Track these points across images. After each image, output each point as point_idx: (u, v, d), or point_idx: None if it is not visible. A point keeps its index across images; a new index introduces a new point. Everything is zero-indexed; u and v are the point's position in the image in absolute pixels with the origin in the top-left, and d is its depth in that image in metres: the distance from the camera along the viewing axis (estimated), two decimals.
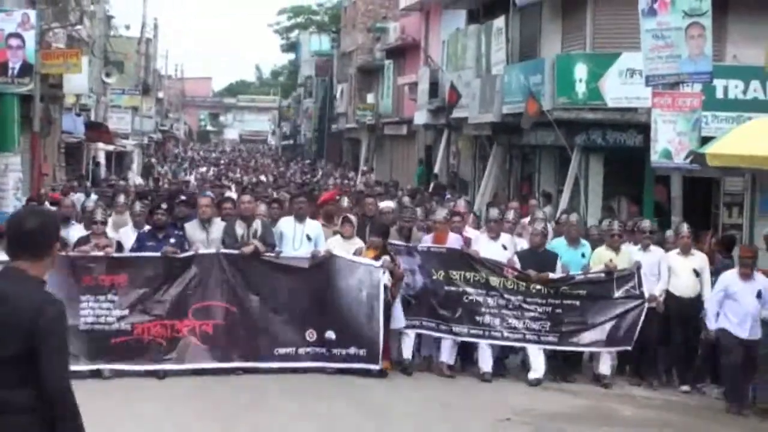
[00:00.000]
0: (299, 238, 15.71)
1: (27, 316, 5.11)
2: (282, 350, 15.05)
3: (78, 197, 24.45)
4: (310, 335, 15.08)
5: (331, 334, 15.08)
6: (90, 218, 15.53)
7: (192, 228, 15.54)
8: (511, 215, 17.27)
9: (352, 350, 15.06)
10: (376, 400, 13.94)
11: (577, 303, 15.51)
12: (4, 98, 25.93)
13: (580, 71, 24.49)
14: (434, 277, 15.77)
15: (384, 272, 15.04)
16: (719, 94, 22.27)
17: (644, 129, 20.69)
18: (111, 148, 52.12)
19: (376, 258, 15.14)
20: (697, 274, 15.68)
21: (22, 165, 26.66)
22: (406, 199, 23.47)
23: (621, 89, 23.68)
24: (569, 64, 24.89)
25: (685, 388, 15.51)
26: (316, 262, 15.24)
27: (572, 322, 15.52)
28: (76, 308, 14.12)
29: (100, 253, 14.59)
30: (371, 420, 12.87)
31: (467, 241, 16.34)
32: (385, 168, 56.16)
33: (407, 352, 15.61)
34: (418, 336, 15.91)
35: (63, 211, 16.74)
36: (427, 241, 16.18)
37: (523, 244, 16.47)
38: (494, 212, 16.99)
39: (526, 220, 18.64)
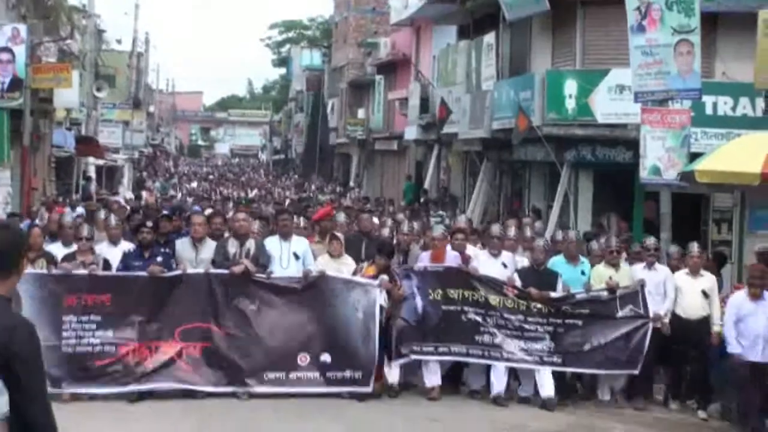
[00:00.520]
0: (286, 257, 15.17)
1: None
2: (272, 374, 14.54)
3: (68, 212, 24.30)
4: (302, 359, 14.59)
5: (326, 357, 14.62)
6: (74, 234, 15.21)
7: (182, 246, 15.15)
8: (512, 232, 16.78)
9: (348, 373, 14.64)
10: (369, 421, 13.78)
11: (580, 322, 15.14)
12: None
13: (570, 87, 24.49)
14: (431, 297, 15.24)
15: (381, 291, 14.69)
16: (708, 111, 22.29)
17: (634, 145, 20.71)
18: (102, 162, 51.99)
19: (375, 277, 14.78)
20: (705, 295, 15.27)
21: (11, 179, 26.63)
22: (400, 216, 23.23)
23: (610, 105, 23.68)
24: (559, 80, 24.91)
25: (674, 406, 15.37)
26: (309, 281, 14.79)
27: (575, 343, 15.11)
28: (57, 329, 13.75)
29: (84, 272, 14.19)
30: None
31: (466, 259, 15.84)
32: (375, 183, 56.18)
33: (394, 377, 15.18)
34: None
35: (49, 227, 16.36)
36: (424, 259, 15.76)
37: (524, 261, 16.02)
38: (496, 229, 16.48)
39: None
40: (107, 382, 14.09)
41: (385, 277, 14.74)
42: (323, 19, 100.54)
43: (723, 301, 15.24)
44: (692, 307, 15.29)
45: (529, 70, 28.34)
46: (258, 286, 14.75)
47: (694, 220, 23.38)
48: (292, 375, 14.60)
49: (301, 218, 17.59)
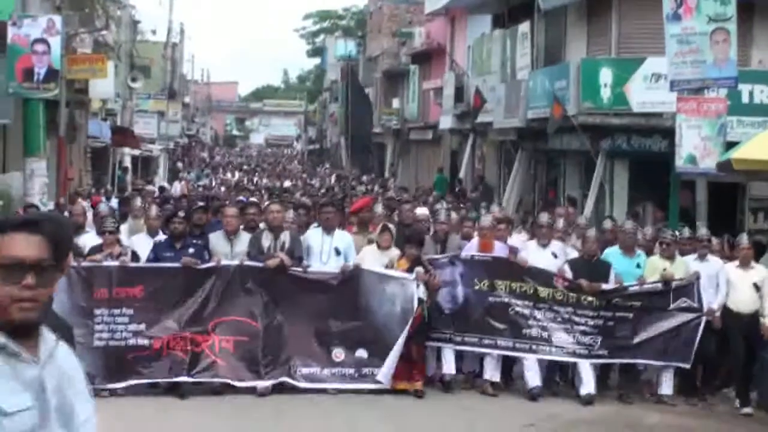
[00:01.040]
0: (327, 252, 14.76)
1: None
2: (306, 370, 14.27)
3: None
4: (337, 355, 14.33)
5: (362, 353, 14.33)
6: (101, 225, 14.92)
7: (216, 239, 14.76)
8: (561, 223, 16.28)
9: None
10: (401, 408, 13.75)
11: (630, 315, 14.71)
12: (30, 104, 25.99)
13: (605, 76, 24.38)
14: (477, 288, 14.85)
15: (418, 285, 14.25)
16: (744, 99, 22.18)
17: (669, 134, 20.59)
18: (137, 152, 52.25)
19: (409, 270, 14.33)
20: (756, 288, 14.65)
21: (48, 170, 26.74)
22: (438, 205, 22.59)
23: (646, 94, 23.57)
24: (594, 69, 24.79)
25: (743, 407, 14.60)
26: (346, 276, 14.44)
27: (624, 336, 14.71)
28: (89, 324, 13.59)
29: (115, 263, 13.92)
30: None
31: (513, 250, 15.37)
32: (410, 173, 56.12)
33: (448, 368, 14.76)
34: (459, 352, 15.00)
35: (75, 219, 15.87)
36: (470, 248, 15.25)
37: (574, 252, 15.55)
38: (544, 217, 15.96)
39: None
40: (142, 377, 13.86)
41: (420, 269, 14.29)
42: (357, 9, 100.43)
43: None
44: (743, 301, 14.74)
45: (564, 59, 28.26)
46: (294, 279, 14.42)
47: (730, 209, 23.25)
48: (326, 371, 14.34)
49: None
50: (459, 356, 15.07)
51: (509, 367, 15.34)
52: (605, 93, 24.34)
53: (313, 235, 15.08)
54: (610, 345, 14.73)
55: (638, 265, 15.19)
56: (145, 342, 13.89)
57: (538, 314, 14.81)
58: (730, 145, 18.33)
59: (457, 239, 15.88)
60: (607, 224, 17.27)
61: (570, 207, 24.24)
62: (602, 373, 15.29)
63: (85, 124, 39.59)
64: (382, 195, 30.65)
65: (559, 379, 15.49)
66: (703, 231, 15.83)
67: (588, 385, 14.56)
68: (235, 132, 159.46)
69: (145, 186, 35.02)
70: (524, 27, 31.04)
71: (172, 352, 13.93)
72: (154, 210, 15.96)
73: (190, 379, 14.00)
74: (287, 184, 45.91)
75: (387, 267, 14.60)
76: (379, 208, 17.87)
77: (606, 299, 14.79)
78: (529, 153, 32.63)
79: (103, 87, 37.70)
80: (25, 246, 3.59)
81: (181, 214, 15.10)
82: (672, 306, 14.76)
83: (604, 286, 14.78)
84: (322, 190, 35.67)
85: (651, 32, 23.57)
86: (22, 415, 3.51)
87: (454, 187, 39.49)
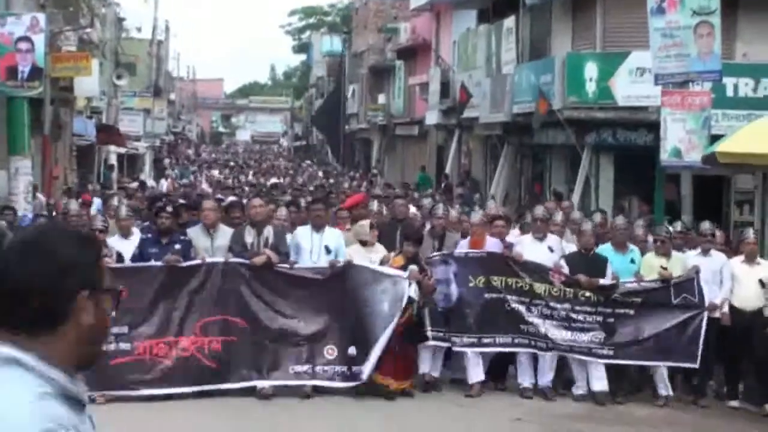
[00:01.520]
0: (317, 250, 14.38)
1: None
2: (298, 368, 13.95)
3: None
4: (330, 352, 14.02)
5: (353, 350, 13.93)
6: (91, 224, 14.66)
7: (195, 234, 14.40)
8: (559, 217, 15.96)
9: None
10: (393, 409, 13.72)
11: (631, 312, 14.39)
12: (14, 102, 25.91)
13: (590, 70, 24.43)
14: (471, 285, 14.51)
15: (410, 284, 13.81)
16: (729, 92, 22.18)
17: (654, 128, 20.62)
18: (123, 150, 52.08)
19: (404, 267, 13.95)
20: (762, 284, 14.19)
21: (33, 168, 26.67)
22: (424, 201, 22.36)
23: (631, 88, 23.59)
24: (579, 63, 24.84)
25: (731, 400, 14.52)
26: (335, 271, 14.09)
27: (627, 334, 14.36)
28: None
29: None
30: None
31: (508, 246, 14.99)
32: (396, 169, 56.10)
33: (432, 368, 14.52)
34: (447, 354, 14.72)
35: (74, 219, 15.75)
36: (463, 246, 14.93)
37: (571, 246, 15.21)
38: (540, 211, 15.54)
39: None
40: (125, 385, 13.41)
41: (414, 267, 13.89)
42: (343, 5, 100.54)
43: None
44: (749, 298, 14.36)
45: (550, 53, 28.29)
46: (281, 276, 14.11)
47: (715, 202, 23.29)
48: (319, 368, 14.02)
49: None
50: (447, 356, 14.84)
51: (504, 366, 15.16)
52: (590, 87, 24.38)
53: (303, 233, 14.68)
54: (612, 343, 14.39)
55: (632, 260, 14.93)
56: (128, 347, 13.51)
57: (534, 311, 14.50)
58: (715, 139, 18.38)
59: (455, 237, 15.46)
60: (597, 218, 17.07)
61: (556, 201, 24.20)
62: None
63: (70, 122, 39.45)
64: (368, 192, 30.56)
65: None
66: (706, 225, 15.33)
67: (599, 383, 14.33)
68: (221, 129, 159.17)
69: (130, 184, 34.94)
70: (509, 22, 31.05)
71: (156, 357, 13.62)
72: (123, 210, 15.40)
73: (176, 390, 13.64)
74: (273, 180, 45.77)
75: (382, 263, 14.28)
76: (375, 205, 17.65)
77: (605, 295, 14.45)
78: (515, 147, 32.66)
79: (88, 85, 37.57)
80: None
81: (169, 209, 14.88)
82: (674, 301, 14.37)
83: (602, 281, 14.46)
84: (311, 188, 35.52)
85: (636, 26, 23.59)
86: None
87: (440, 183, 39.49)
